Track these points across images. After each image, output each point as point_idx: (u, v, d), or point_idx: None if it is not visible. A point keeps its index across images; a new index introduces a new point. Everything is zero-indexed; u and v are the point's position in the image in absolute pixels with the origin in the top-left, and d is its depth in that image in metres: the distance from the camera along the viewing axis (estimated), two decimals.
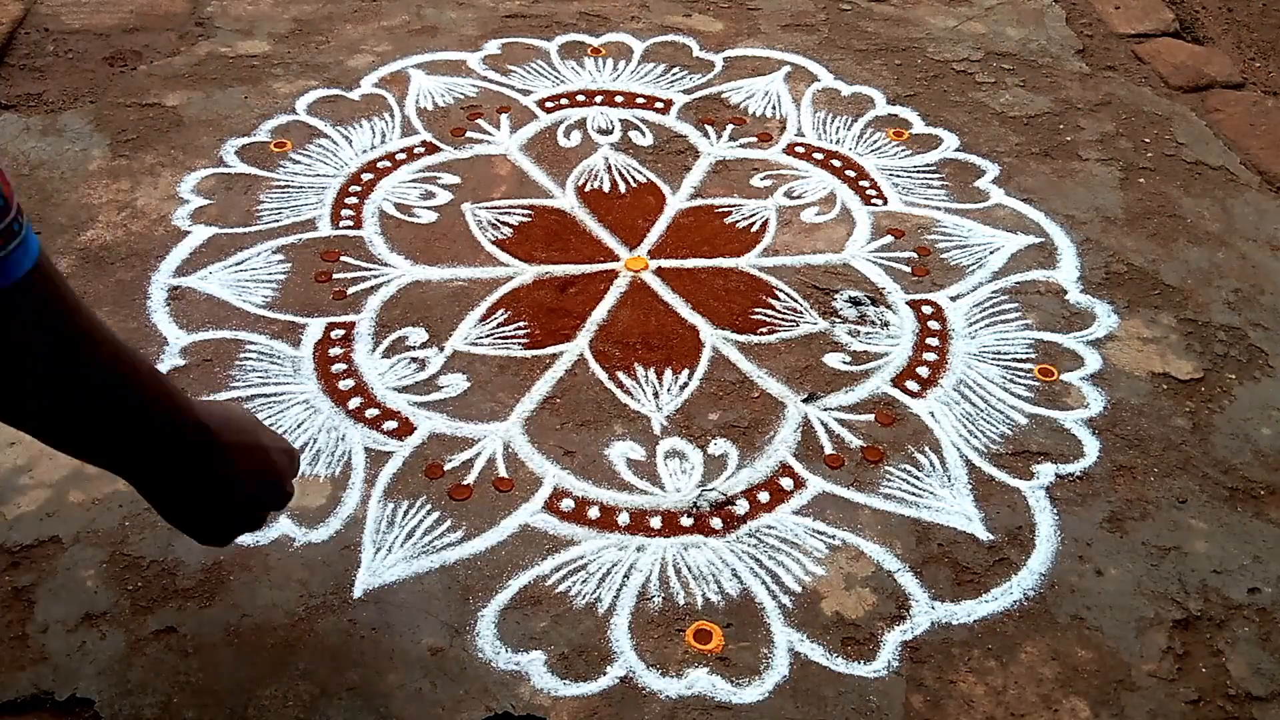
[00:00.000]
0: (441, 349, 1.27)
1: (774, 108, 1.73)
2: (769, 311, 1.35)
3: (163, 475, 0.72)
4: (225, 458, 0.74)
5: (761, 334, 1.32)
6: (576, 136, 1.65)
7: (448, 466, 1.13)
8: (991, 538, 1.09)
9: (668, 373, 1.26)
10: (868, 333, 1.33)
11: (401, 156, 1.59)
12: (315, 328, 1.29)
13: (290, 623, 0.97)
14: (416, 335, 1.29)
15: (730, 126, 1.68)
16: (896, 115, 1.73)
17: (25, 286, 0.58)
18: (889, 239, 1.48)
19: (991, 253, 1.46)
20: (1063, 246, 1.48)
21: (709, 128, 1.68)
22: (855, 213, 1.53)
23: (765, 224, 1.50)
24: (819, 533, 1.08)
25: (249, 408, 1.18)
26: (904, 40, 1.92)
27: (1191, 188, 1.60)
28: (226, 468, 0.75)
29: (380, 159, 1.58)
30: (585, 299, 1.36)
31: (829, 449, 1.18)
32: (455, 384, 1.23)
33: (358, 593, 1.00)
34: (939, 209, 1.54)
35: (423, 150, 1.60)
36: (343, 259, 1.40)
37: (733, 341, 1.31)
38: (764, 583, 1.03)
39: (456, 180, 1.55)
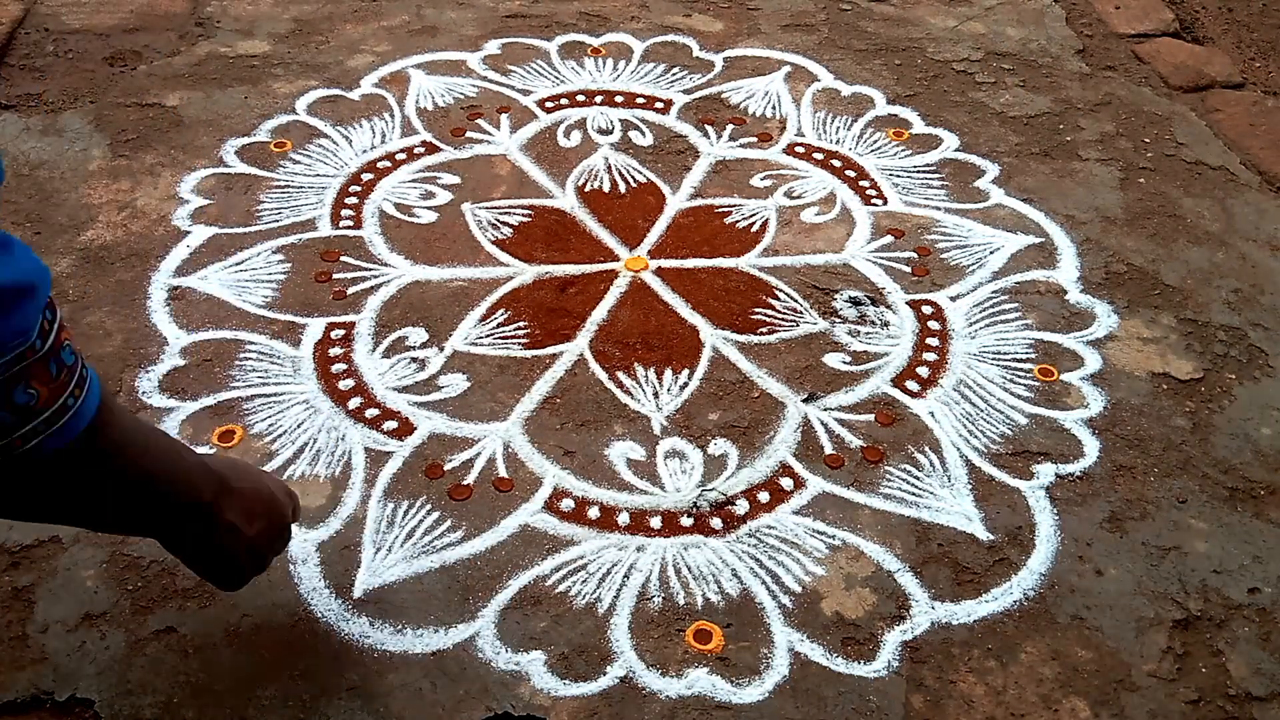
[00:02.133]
0: (441, 349, 1.27)
1: (774, 108, 1.73)
2: (769, 311, 1.35)
3: (187, 534, 0.80)
4: (238, 506, 0.82)
5: (761, 334, 1.32)
6: (576, 136, 1.65)
7: (448, 466, 1.13)
8: (991, 538, 1.09)
9: (668, 373, 1.26)
10: (868, 333, 1.33)
11: (401, 156, 1.59)
12: (315, 328, 1.29)
13: (290, 623, 0.97)
14: (416, 335, 1.29)
15: (730, 126, 1.69)
16: (896, 115, 1.73)
17: (89, 436, 0.64)
18: (889, 239, 1.48)
19: (991, 253, 1.46)
20: (1063, 246, 1.48)
21: (709, 128, 1.68)
22: (855, 213, 1.53)
23: (765, 224, 1.50)
24: (819, 533, 1.08)
25: (249, 408, 1.18)
26: (904, 40, 1.92)
27: (1191, 188, 1.60)
28: (238, 515, 0.82)
29: (380, 159, 1.58)
30: (585, 299, 1.36)
31: (829, 449, 1.18)
32: (455, 384, 1.23)
33: (358, 593, 1.00)
34: (939, 209, 1.54)
35: (423, 150, 1.60)
36: (343, 259, 1.40)
37: (733, 341, 1.31)
38: (764, 583, 1.03)
39: (456, 180, 1.55)
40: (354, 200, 1.50)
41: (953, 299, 1.39)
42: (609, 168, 1.58)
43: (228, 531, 0.81)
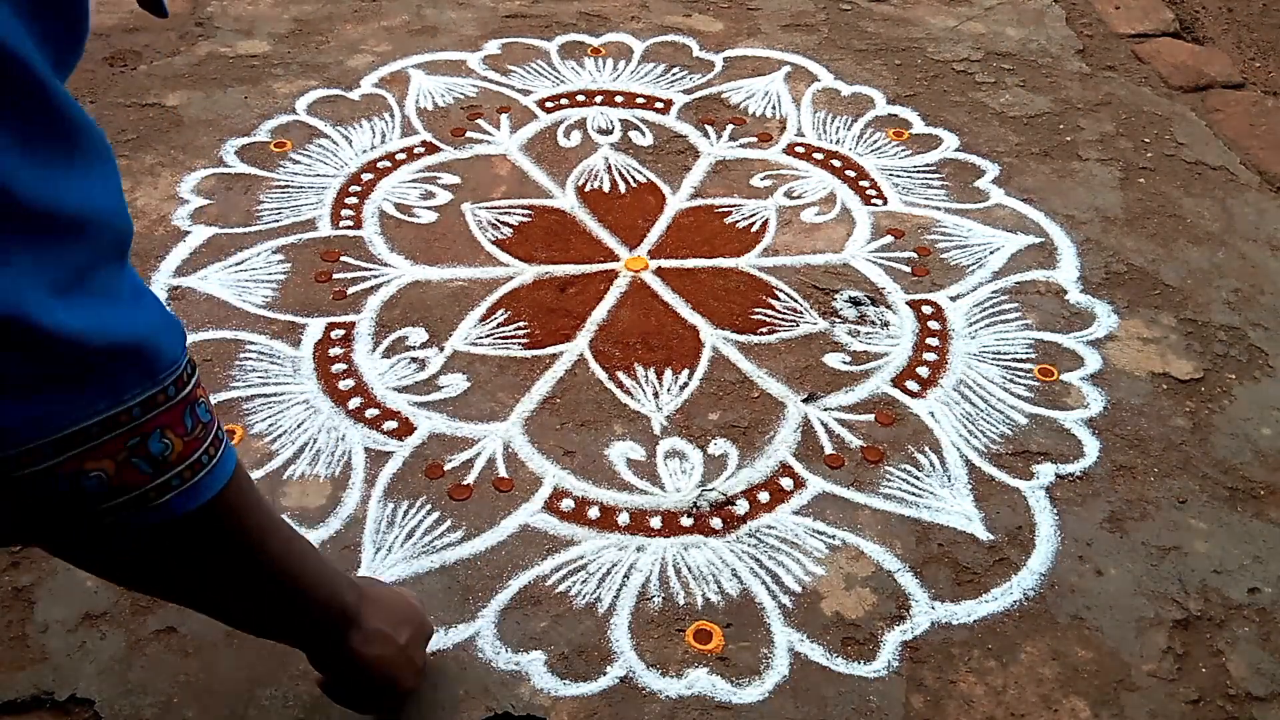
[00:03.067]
0: (441, 349, 1.27)
1: (774, 108, 1.73)
2: (769, 311, 1.35)
3: (333, 641, 0.77)
4: (381, 613, 0.79)
5: (761, 334, 1.32)
6: (576, 136, 1.65)
7: (448, 466, 1.13)
8: (991, 538, 1.09)
9: (668, 373, 1.26)
10: (868, 333, 1.33)
11: (401, 156, 1.59)
12: (315, 328, 1.29)
13: None
14: (416, 335, 1.29)
15: (730, 126, 1.68)
16: (896, 115, 1.73)
17: (221, 502, 0.59)
18: (889, 239, 1.48)
19: (991, 253, 1.46)
20: (1063, 246, 1.48)
21: (709, 128, 1.68)
22: (855, 213, 1.53)
23: (765, 224, 1.50)
24: (819, 533, 1.08)
25: (249, 408, 1.18)
26: (904, 40, 1.92)
27: (1191, 188, 1.60)
28: (385, 621, 0.79)
29: (380, 159, 1.58)
30: (585, 299, 1.36)
31: (829, 449, 1.17)
32: (455, 384, 1.23)
33: None
34: (939, 209, 1.54)
35: (423, 150, 1.60)
36: (343, 259, 1.40)
37: (733, 341, 1.31)
38: (764, 583, 1.03)
39: (456, 180, 1.55)
40: (354, 200, 1.50)
41: (953, 299, 1.39)
42: (609, 168, 1.58)
43: (378, 638, 0.78)
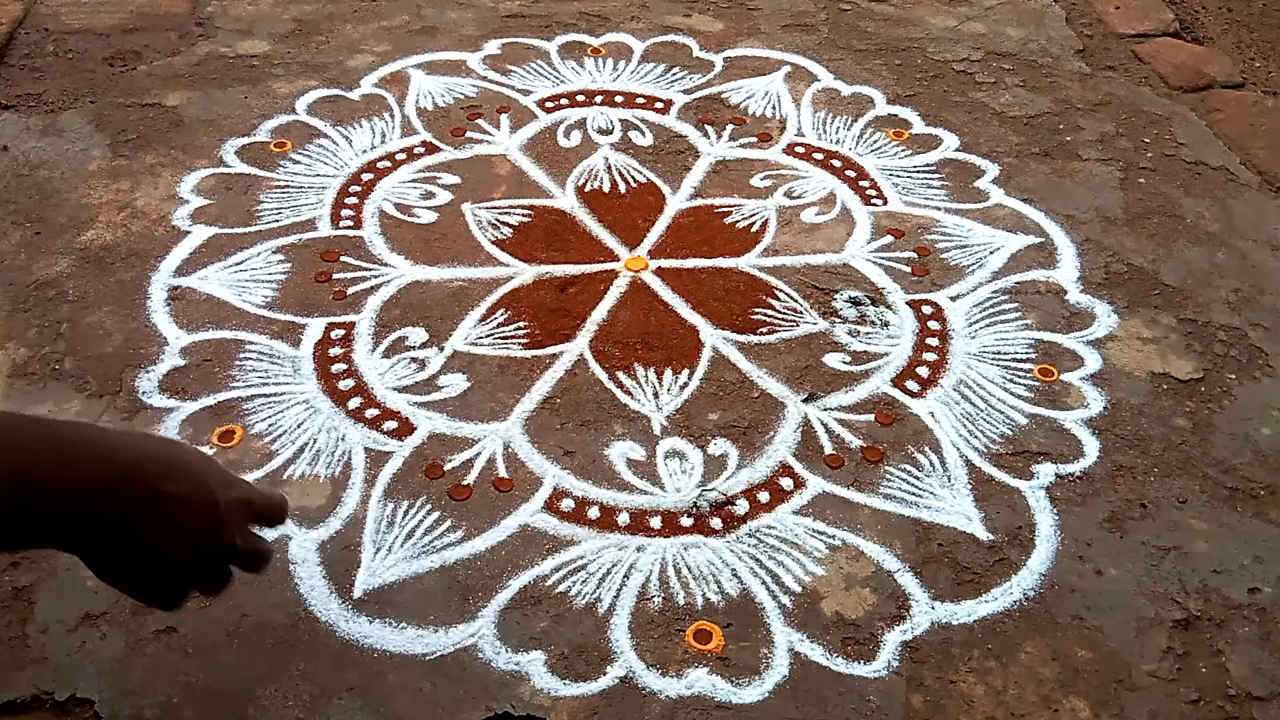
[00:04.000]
0: (441, 349, 1.27)
1: (774, 108, 1.73)
2: (769, 311, 1.35)
3: (93, 551, 0.65)
4: (162, 518, 0.65)
5: (761, 334, 1.32)
6: (576, 136, 1.65)
7: (448, 466, 1.13)
8: (991, 538, 1.09)
9: (668, 373, 1.26)
10: (868, 333, 1.33)
11: (401, 156, 1.58)
12: (315, 328, 1.29)
13: (290, 623, 0.97)
14: (416, 335, 1.29)
15: (730, 126, 1.68)
16: (896, 115, 1.73)
17: None
18: (889, 239, 1.48)
19: (991, 253, 1.46)
20: (1063, 246, 1.48)
21: (709, 128, 1.68)
22: (855, 213, 1.53)
23: (765, 224, 1.50)
24: (819, 533, 1.08)
25: (249, 409, 1.18)
26: (904, 40, 1.92)
27: (1191, 188, 1.60)
28: (161, 529, 0.65)
29: (380, 159, 1.58)
30: (585, 299, 1.36)
31: (829, 449, 1.17)
32: (455, 384, 1.23)
33: (358, 593, 1.00)
34: (939, 209, 1.54)
35: (423, 150, 1.60)
36: (343, 259, 1.40)
37: (733, 341, 1.31)
38: (764, 583, 1.03)
39: (456, 180, 1.55)
40: (354, 200, 1.50)
41: (953, 299, 1.39)
42: (609, 168, 1.58)
43: (145, 553, 0.65)
